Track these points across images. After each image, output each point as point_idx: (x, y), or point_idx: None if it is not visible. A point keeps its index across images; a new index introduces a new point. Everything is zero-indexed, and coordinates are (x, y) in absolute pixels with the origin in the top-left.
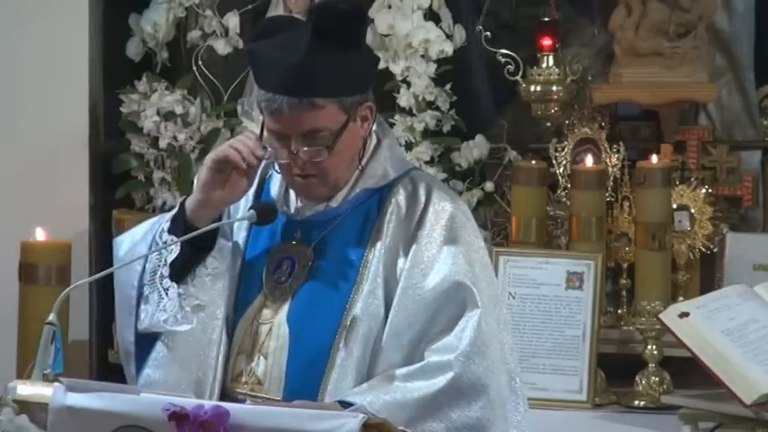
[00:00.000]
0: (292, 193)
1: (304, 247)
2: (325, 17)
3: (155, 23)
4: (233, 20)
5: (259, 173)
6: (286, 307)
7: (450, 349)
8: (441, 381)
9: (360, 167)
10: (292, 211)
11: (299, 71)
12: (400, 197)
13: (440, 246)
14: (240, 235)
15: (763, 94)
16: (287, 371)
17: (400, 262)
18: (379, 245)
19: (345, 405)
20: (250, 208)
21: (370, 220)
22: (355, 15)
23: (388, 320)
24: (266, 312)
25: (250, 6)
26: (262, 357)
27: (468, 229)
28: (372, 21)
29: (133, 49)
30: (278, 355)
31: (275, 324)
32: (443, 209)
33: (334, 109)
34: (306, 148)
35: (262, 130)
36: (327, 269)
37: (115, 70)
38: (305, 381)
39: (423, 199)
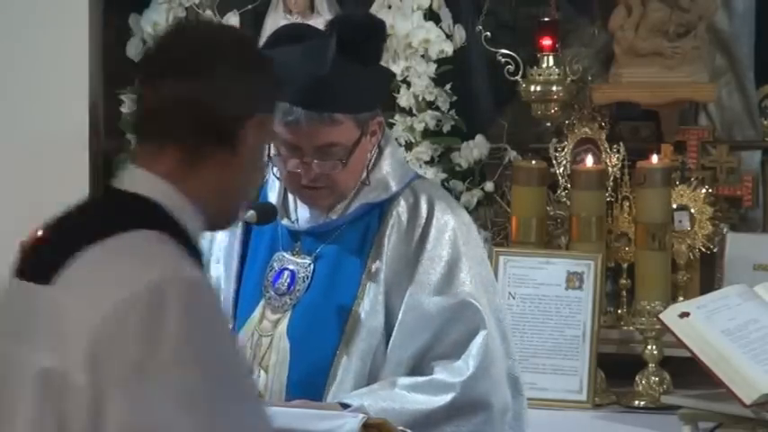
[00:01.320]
0: (292, 203)
1: (304, 259)
2: (348, 30)
3: (155, 23)
4: (233, 20)
5: None
6: (286, 319)
7: (458, 373)
8: (442, 399)
9: (363, 180)
10: (292, 221)
11: (322, 85)
12: (401, 209)
13: (444, 263)
14: (234, 247)
15: (763, 94)
16: (288, 385)
17: (403, 278)
18: (379, 258)
19: (344, 406)
20: (248, 209)
21: (370, 232)
22: (377, 30)
23: (392, 336)
24: (266, 324)
25: (250, 6)
26: (262, 371)
27: (470, 243)
28: None
29: (133, 49)
30: (278, 369)
31: (275, 337)
32: (446, 223)
33: (350, 125)
34: (317, 161)
35: None
36: (328, 281)
37: (115, 70)
38: (306, 395)
39: (424, 213)
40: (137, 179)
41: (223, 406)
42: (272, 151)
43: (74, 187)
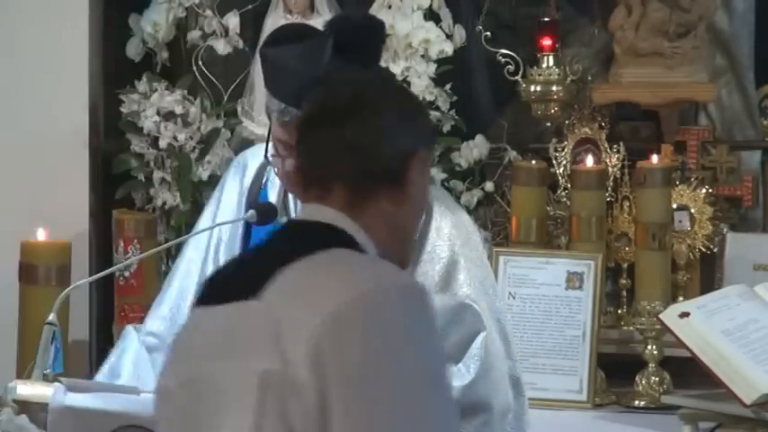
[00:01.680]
0: (291, 202)
1: None
2: (347, 32)
3: (155, 23)
4: (233, 20)
5: (253, 179)
6: None
7: (459, 377)
8: None
9: None
10: None
11: (317, 85)
12: None
13: (442, 264)
14: (236, 246)
15: (763, 94)
16: None
17: None
18: None
19: None
20: (249, 209)
21: None
22: (376, 31)
23: None
24: None
25: (250, 6)
26: None
27: (469, 245)
28: None
29: (133, 49)
30: None
31: None
32: (445, 226)
33: None
34: None
35: (269, 137)
36: None
37: (115, 70)
38: None
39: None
40: (318, 211)
41: (435, 402)
42: (271, 151)
43: (74, 187)
